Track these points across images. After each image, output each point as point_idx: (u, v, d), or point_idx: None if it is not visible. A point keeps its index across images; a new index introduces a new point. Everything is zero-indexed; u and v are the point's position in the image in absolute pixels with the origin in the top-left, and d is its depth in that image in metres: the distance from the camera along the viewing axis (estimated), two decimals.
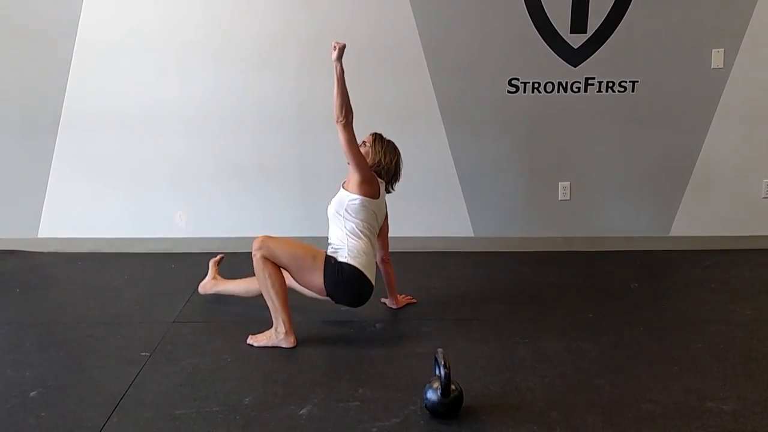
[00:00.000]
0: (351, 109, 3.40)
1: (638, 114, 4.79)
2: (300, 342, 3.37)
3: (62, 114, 4.77)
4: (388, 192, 3.71)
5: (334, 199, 3.60)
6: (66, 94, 4.73)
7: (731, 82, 4.73)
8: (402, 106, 4.75)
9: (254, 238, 4.77)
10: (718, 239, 4.96)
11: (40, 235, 4.94)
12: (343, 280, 3.38)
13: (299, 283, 3.46)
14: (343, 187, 3.58)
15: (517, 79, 4.72)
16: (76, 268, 4.63)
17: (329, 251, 3.52)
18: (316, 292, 3.48)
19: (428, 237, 4.94)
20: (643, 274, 4.47)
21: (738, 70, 4.70)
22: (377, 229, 3.62)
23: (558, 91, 4.73)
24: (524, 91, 4.74)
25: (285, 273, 3.45)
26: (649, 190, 4.92)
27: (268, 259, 3.35)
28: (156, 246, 4.92)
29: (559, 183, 4.90)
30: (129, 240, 4.93)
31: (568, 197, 4.91)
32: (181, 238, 4.92)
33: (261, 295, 3.68)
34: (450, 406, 2.69)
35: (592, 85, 4.72)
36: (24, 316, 3.83)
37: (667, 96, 4.76)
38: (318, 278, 3.39)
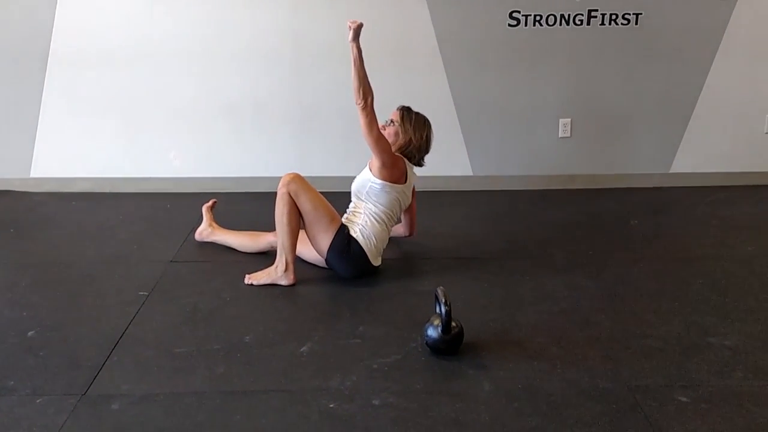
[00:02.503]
0: (370, 89, 3.26)
1: (641, 48, 4.69)
2: (300, 281, 3.35)
3: (50, 50, 4.63)
4: (419, 166, 3.61)
5: (358, 177, 3.51)
6: (53, 29, 4.59)
7: (736, 15, 4.63)
8: (399, 40, 4.64)
9: (251, 177, 4.79)
10: (720, 175, 4.92)
11: (32, 175, 4.86)
12: (348, 254, 3.34)
13: (307, 231, 3.39)
14: (369, 167, 3.47)
15: (519, 12, 4.59)
16: (70, 208, 4.58)
17: (345, 217, 3.47)
18: (317, 252, 3.43)
19: (426, 176, 4.80)
20: (644, 211, 4.46)
21: (743, 2, 4.60)
22: (399, 214, 3.55)
23: (560, 24, 4.61)
24: (525, 24, 4.62)
25: None
26: (651, 126, 4.86)
27: (291, 197, 3.29)
28: (151, 186, 4.85)
29: (560, 120, 4.82)
30: (124, 179, 4.86)
31: (568, 134, 4.84)
32: (176, 178, 4.85)
33: (255, 252, 3.70)
34: (450, 343, 2.69)
35: (595, 17, 4.61)
36: (20, 257, 3.80)
37: (671, 29, 4.65)
38: (325, 241, 3.34)
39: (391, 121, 3.54)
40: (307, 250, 3.51)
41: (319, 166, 4.71)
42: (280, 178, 3.34)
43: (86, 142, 4.82)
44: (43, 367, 2.65)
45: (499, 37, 4.64)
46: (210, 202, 3.96)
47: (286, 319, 3.05)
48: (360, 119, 3.27)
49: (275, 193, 3.33)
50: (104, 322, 3.00)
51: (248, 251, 3.72)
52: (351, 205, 3.54)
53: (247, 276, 3.38)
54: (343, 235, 3.34)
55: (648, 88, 4.77)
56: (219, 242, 3.83)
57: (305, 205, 3.30)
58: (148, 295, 3.25)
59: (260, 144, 4.83)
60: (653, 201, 4.67)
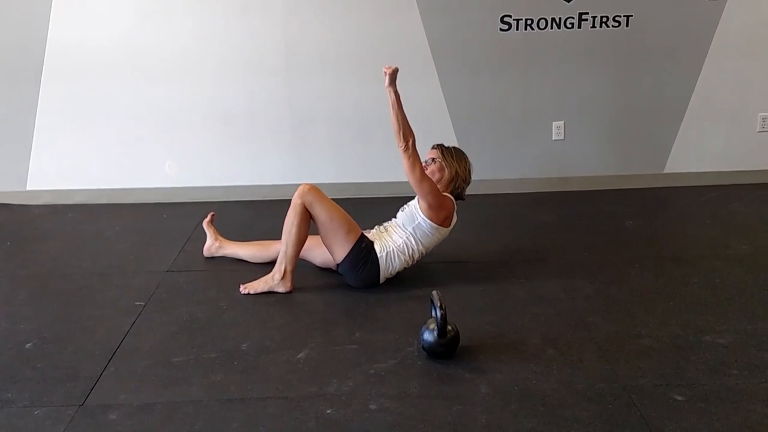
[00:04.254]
0: (410, 131, 3.21)
1: (632, 49, 4.71)
2: (296, 288, 3.36)
3: (44, 63, 4.64)
4: (461, 199, 3.56)
5: (406, 208, 3.44)
6: (47, 42, 4.60)
7: (726, 15, 4.65)
8: (392, 47, 4.64)
9: (245, 186, 4.80)
10: (713, 175, 4.94)
11: (28, 188, 4.87)
12: (362, 268, 3.32)
13: (323, 241, 3.37)
14: (417, 201, 3.38)
15: (510, 16, 4.61)
16: (67, 220, 4.58)
17: (374, 230, 3.44)
18: (331, 255, 3.39)
19: None
20: (639, 212, 4.46)
21: (733, 2, 4.61)
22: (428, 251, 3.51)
23: (551, 28, 4.63)
24: (517, 29, 4.64)
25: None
26: (644, 127, 4.87)
27: (305, 209, 3.27)
28: (147, 196, 4.86)
29: (553, 123, 4.84)
30: (119, 190, 4.87)
31: (562, 137, 4.86)
32: (172, 188, 4.86)
33: (266, 262, 3.64)
34: (447, 347, 2.70)
35: (586, 20, 4.63)
36: (17, 269, 3.80)
37: (662, 30, 4.67)
38: (341, 251, 3.31)
39: (432, 159, 3.48)
40: (315, 254, 3.51)
41: (313, 173, 4.70)
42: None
43: (82, 153, 4.83)
44: (41, 379, 2.65)
45: (490, 41, 4.66)
46: (208, 217, 3.86)
47: (282, 327, 3.06)
48: (403, 161, 3.22)
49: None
50: (101, 332, 3.01)
51: (259, 261, 3.67)
52: (394, 222, 3.46)
53: (242, 286, 3.37)
54: (360, 248, 3.31)
55: (640, 89, 4.79)
56: (229, 255, 3.76)
57: (321, 216, 3.28)
58: (144, 305, 3.26)
59: (254, 153, 4.83)
60: (647, 201, 4.68)
